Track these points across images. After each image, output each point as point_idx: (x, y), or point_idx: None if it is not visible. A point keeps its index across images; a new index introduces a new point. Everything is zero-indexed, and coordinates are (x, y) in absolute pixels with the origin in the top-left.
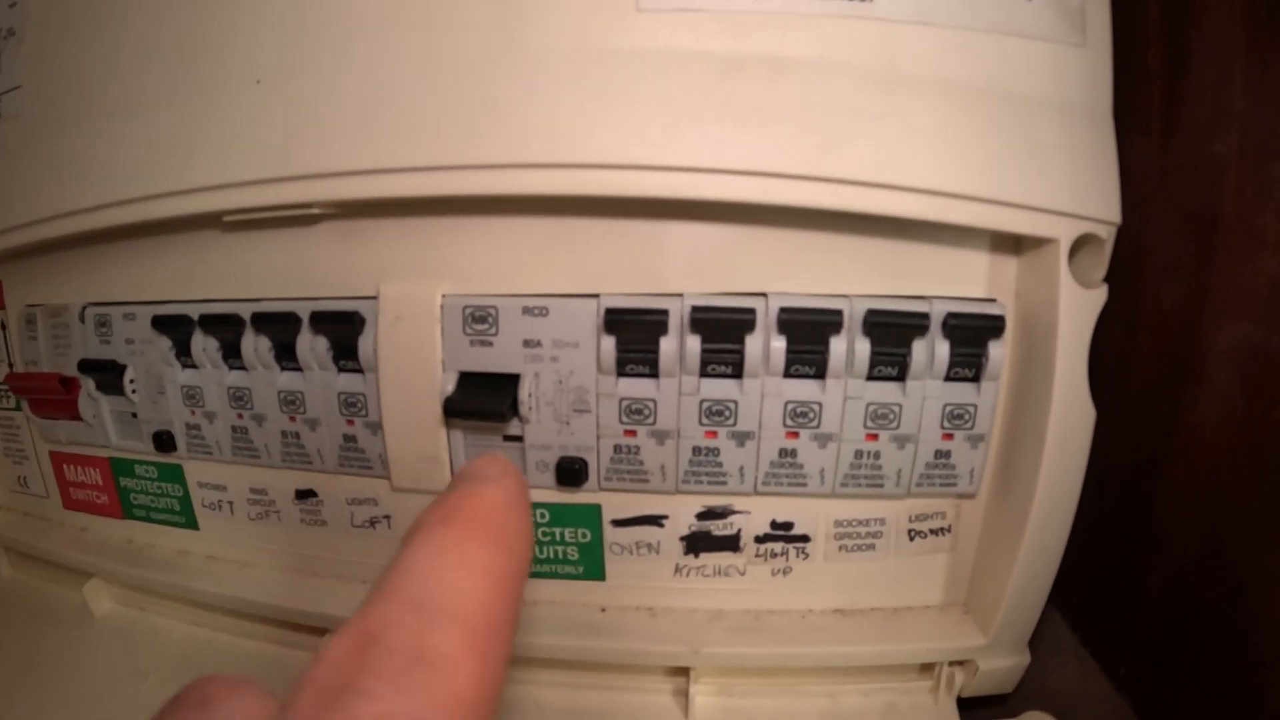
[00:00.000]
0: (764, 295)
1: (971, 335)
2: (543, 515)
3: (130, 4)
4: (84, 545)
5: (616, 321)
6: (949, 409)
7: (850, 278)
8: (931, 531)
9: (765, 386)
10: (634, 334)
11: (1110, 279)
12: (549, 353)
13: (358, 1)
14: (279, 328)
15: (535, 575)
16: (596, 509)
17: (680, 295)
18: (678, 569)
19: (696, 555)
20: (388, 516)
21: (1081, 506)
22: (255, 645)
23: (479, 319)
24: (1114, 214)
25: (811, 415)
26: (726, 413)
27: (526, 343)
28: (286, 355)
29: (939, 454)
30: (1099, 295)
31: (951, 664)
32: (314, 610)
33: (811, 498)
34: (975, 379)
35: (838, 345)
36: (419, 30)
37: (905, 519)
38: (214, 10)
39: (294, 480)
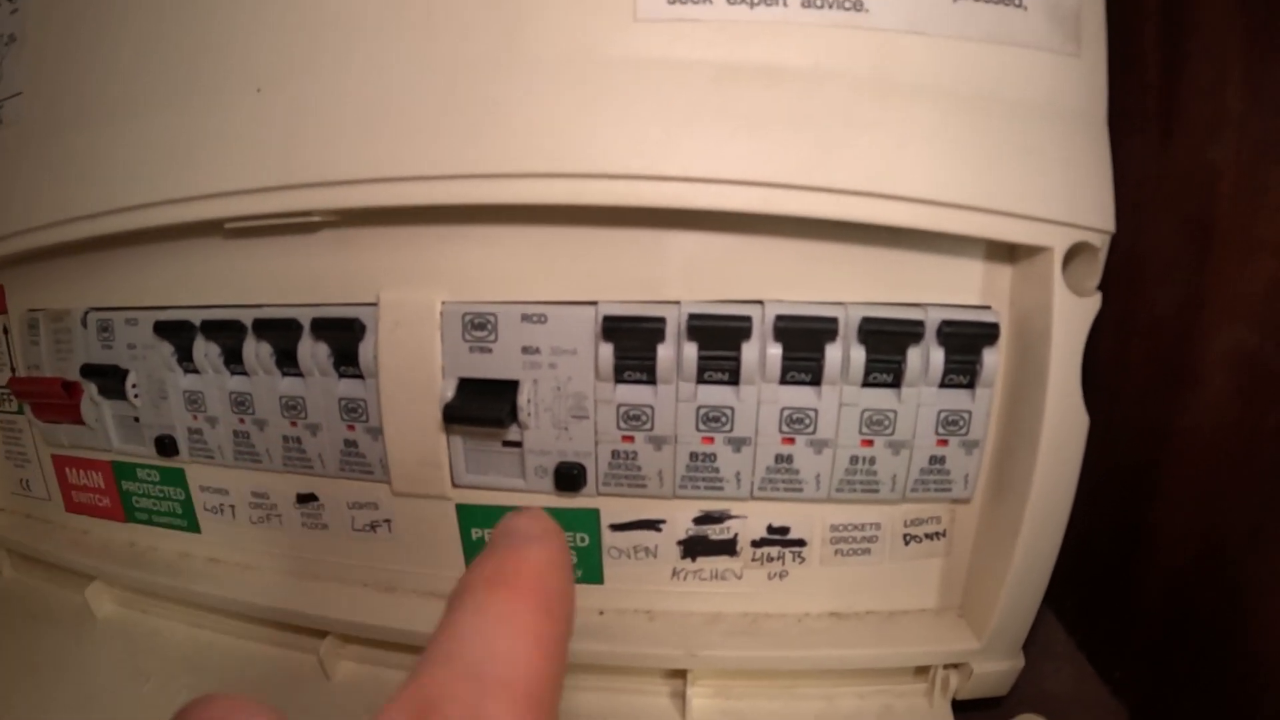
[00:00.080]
0: (760, 303)
1: (966, 343)
2: None
3: (130, 11)
4: (86, 548)
5: (614, 329)
6: (944, 415)
7: (846, 286)
8: (926, 536)
9: (762, 393)
10: (632, 341)
11: (1105, 284)
12: (548, 359)
13: (357, 12)
14: (280, 334)
15: None
16: (595, 514)
17: (678, 303)
18: (675, 573)
19: (694, 559)
20: (388, 520)
21: (1077, 510)
22: (256, 648)
23: (478, 326)
24: (1108, 223)
25: (807, 421)
26: (723, 419)
27: (525, 349)
28: (287, 361)
29: (934, 460)
30: (1093, 303)
31: (946, 667)
32: (315, 613)
33: (807, 503)
34: (970, 386)
35: (833, 353)
36: (419, 42)
37: (900, 524)
38: (213, 17)
39: (295, 484)
